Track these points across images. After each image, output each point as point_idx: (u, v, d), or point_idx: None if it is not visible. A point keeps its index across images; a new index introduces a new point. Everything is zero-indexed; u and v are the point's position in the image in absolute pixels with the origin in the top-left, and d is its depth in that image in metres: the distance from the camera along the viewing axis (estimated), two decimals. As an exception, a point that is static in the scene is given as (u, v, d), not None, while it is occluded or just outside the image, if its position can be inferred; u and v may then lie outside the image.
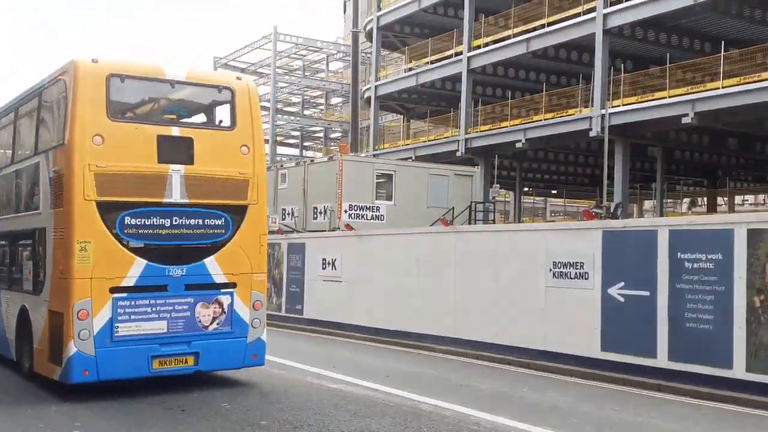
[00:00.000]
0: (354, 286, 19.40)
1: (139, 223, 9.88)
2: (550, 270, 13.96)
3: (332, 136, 65.22)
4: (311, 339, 18.75)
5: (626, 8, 26.82)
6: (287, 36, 58.21)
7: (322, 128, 64.88)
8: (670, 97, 26.02)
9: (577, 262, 13.49)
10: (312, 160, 30.34)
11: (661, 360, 11.96)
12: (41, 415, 8.57)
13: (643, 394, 11.42)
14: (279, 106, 62.79)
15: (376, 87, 39.24)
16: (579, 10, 28.81)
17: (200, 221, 10.30)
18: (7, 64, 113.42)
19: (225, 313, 10.47)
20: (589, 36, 28.30)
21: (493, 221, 27.79)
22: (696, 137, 31.80)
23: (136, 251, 9.86)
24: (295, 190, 25.47)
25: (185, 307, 10.16)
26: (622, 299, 12.70)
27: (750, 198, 49.21)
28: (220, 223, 10.45)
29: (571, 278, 13.58)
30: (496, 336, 15.03)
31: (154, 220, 10.00)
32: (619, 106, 27.25)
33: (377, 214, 24.04)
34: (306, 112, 66.55)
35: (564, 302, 13.74)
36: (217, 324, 10.41)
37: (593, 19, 27.84)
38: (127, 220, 9.79)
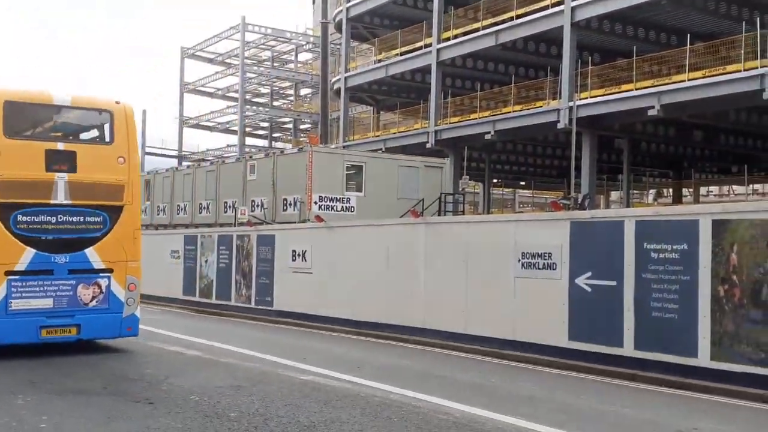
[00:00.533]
0: (324, 278, 19.39)
1: (29, 220, 12.11)
2: (519, 260, 14.08)
3: (302, 127, 64.95)
4: (281, 331, 18.71)
5: (594, 1, 27.08)
6: (255, 26, 57.81)
7: (291, 119, 64.59)
8: (636, 89, 26.35)
9: (545, 253, 13.63)
10: (281, 152, 30.17)
11: (628, 349, 12.14)
12: (7, 407, 8.46)
13: (609, 383, 11.59)
14: (248, 96, 62.36)
15: (345, 78, 39.16)
16: (547, 2, 29.02)
17: (82, 218, 12.53)
18: (7, 64, 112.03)
19: (103, 293, 12.75)
20: (557, 29, 28.52)
21: (463, 212, 27.92)
22: (662, 129, 32.23)
23: (26, 242, 12.09)
24: (264, 182, 25.35)
25: (68, 287, 12.43)
26: (589, 289, 12.85)
27: (715, 189, 50.02)
28: (99, 219, 12.70)
29: (539, 268, 13.71)
30: (466, 326, 15.13)
31: (42, 217, 12.23)
32: (586, 98, 27.54)
33: (347, 205, 24.03)
34: (275, 103, 66.18)
35: (532, 292, 13.87)
36: (96, 302, 12.66)
37: (561, 11, 28.05)
38: (20, 217, 12.01)
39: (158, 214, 32.45)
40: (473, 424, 8.09)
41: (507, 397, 10.15)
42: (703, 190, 47.10)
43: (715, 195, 49.60)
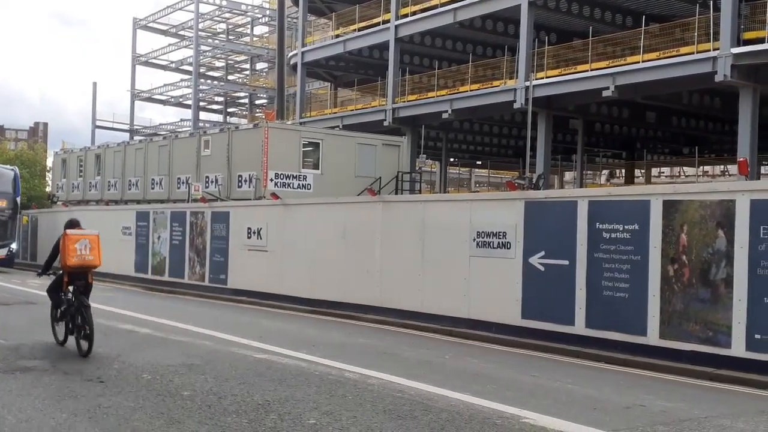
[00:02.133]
0: (280, 256, 19.29)
1: None
2: (474, 240, 14.18)
3: (257, 102, 64.28)
4: (236, 309, 18.59)
5: (552, -19, 27.16)
6: (211, -2, 56.81)
7: (246, 94, 63.89)
8: (592, 70, 26.60)
9: (500, 232, 13.74)
10: (236, 127, 29.83)
11: (579, 327, 12.35)
12: (-48, 389, 8.25)
13: (561, 361, 11.77)
14: (202, 70, 61.39)
15: (302, 53, 38.78)
16: (506, -19, 29.01)
17: None
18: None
19: None
20: (515, 7, 28.58)
21: (420, 191, 27.99)
22: (616, 110, 32.66)
23: None
24: (218, 158, 25.04)
25: None
26: (542, 268, 13.01)
27: (666, 170, 50.96)
28: None
29: (494, 248, 13.83)
30: (422, 305, 15.21)
31: None
32: (542, 78, 27.69)
33: (304, 183, 23.88)
34: (230, 77, 65.32)
35: (487, 271, 13.99)
36: None
37: (519, -10, 28.08)
38: None
39: (109, 190, 31.88)
40: (426, 402, 8.15)
41: (458, 375, 10.24)
42: (654, 171, 47.96)
43: (666, 176, 50.54)
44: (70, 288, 10.72)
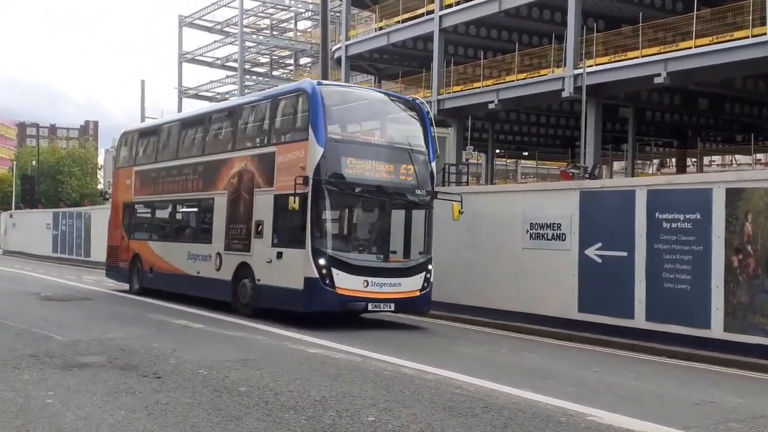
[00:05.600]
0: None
1: None
2: (527, 231, 13.91)
3: (302, 97, 64.34)
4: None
5: (600, -34, 26.58)
6: (255, -6, 57.10)
7: (291, 89, 63.98)
8: (642, 56, 25.96)
9: (554, 224, 13.45)
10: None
11: (639, 320, 12.02)
12: (12, 383, 8.31)
13: (620, 355, 11.47)
14: (247, 66, 61.80)
15: (346, 47, 38.65)
16: (552, -32, 28.49)
17: None
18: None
19: None
20: (563, -6, 28.04)
21: (467, 183, 27.68)
22: (667, 98, 31.88)
23: None
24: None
25: None
26: (599, 260, 12.69)
27: (717, 159, 49.73)
28: None
29: (548, 239, 13.55)
30: (473, 298, 14.99)
31: None
32: (591, 66, 27.12)
33: (351, 176, 23.67)
34: (275, 73, 65.59)
35: (541, 264, 13.71)
36: None
37: (566, -23, 27.54)
38: None
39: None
40: (486, 398, 7.96)
41: (516, 370, 10.03)
42: (705, 159, 46.81)
43: (717, 165, 49.34)
44: None
